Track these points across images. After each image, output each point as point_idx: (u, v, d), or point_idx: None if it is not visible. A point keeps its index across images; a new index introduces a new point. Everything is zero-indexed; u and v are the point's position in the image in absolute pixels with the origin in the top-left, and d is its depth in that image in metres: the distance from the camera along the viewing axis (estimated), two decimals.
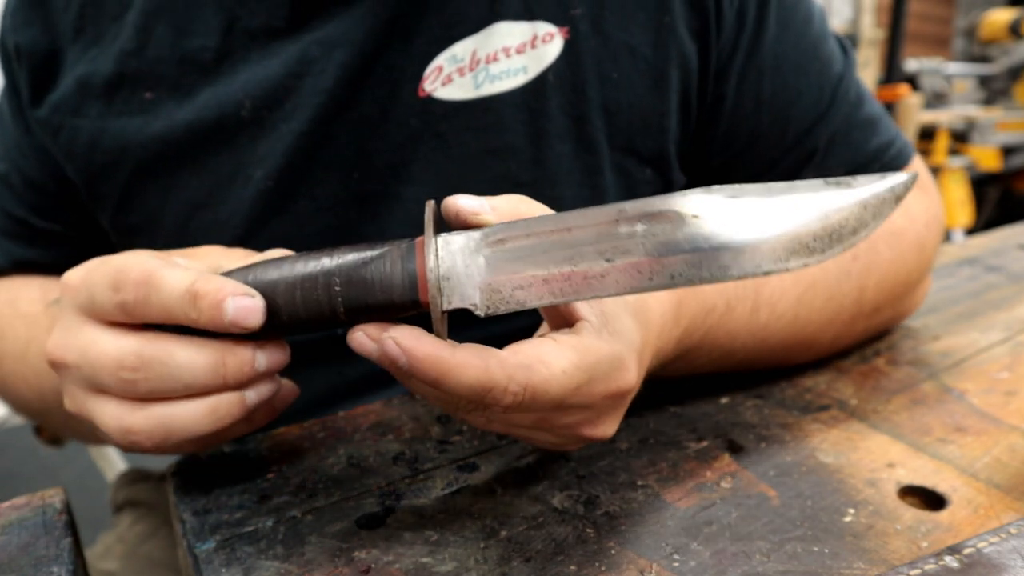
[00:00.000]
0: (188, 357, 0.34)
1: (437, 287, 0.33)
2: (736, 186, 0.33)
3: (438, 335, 0.33)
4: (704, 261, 0.31)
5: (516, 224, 0.33)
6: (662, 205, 0.32)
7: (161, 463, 0.64)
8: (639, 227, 0.32)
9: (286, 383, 0.40)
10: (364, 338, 0.33)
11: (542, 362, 0.33)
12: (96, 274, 0.35)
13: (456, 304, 0.33)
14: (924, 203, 0.61)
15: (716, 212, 0.32)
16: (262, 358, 0.35)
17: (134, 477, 0.83)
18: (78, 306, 0.36)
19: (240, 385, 0.35)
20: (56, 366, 0.37)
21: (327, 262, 0.34)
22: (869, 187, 0.33)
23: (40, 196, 0.57)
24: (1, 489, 1.94)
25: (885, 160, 0.60)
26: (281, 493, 0.41)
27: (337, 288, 0.33)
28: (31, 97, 0.53)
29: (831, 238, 0.32)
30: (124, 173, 0.52)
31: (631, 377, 0.36)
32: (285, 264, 0.34)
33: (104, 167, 0.52)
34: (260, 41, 0.50)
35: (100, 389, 0.36)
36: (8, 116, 0.57)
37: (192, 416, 0.35)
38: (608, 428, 0.37)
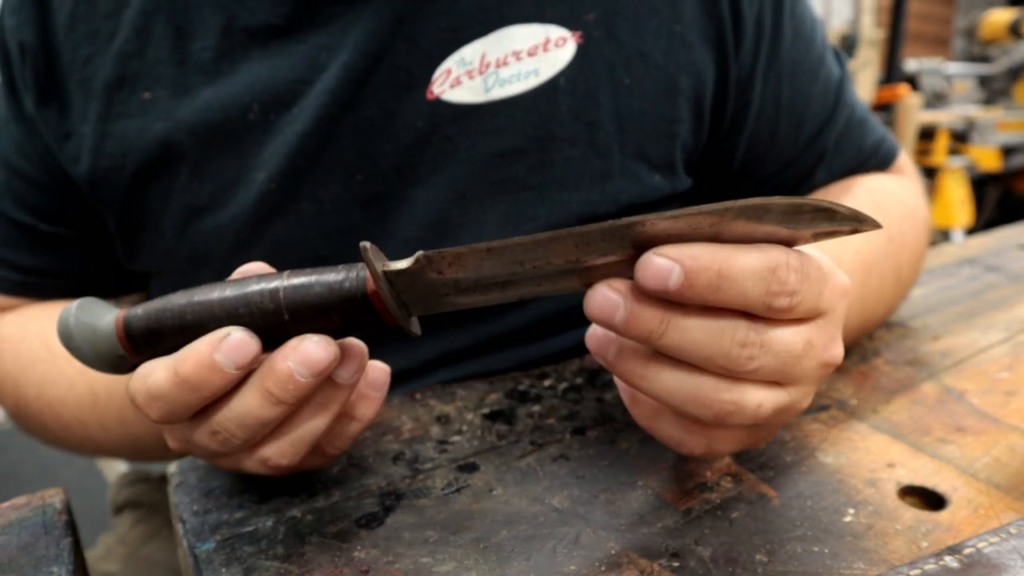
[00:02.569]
0: (242, 405, 0.34)
1: (385, 280, 0.32)
2: None
3: (397, 324, 0.33)
4: None
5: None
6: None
7: (161, 464, 0.64)
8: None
9: (374, 363, 0.39)
10: (608, 291, 0.30)
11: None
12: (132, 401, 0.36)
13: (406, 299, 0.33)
14: (918, 189, 0.65)
15: None
16: (300, 368, 0.33)
17: (134, 478, 0.83)
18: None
19: (300, 400, 0.34)
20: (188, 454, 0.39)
21: (276, 282, 0.34)
22: None
23: (46, 199, 0.56)
24: (1, 489, 1.94)
25: (881, 154, 0.65)
26: (281, 493, 0.41)
27: (283, 287, 0.33)
28: (37, 97, 0.53)
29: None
30: (126, 177, 0.52)
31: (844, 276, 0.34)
32: (230, 284, 0.34)
33: (107, 171, 0.52)
34: (260, 40, 0.50)
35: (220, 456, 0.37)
36: (8, 119, 0.56)
37: (307, 423, 0.35)
38: (841, 344, 0.34)
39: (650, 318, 0.30)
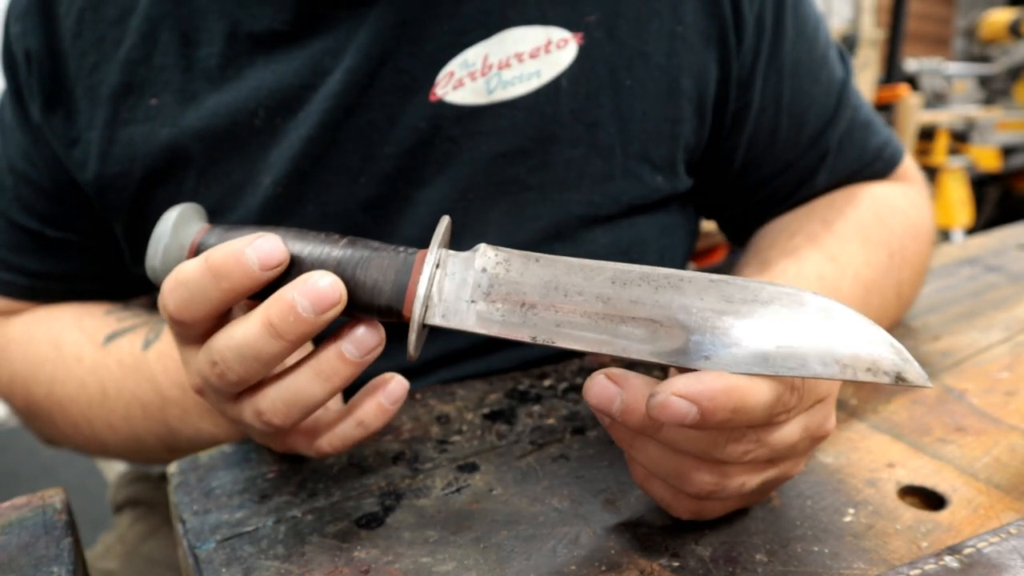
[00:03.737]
0: (242, 332, 0.34)
1: (424, 305, 0.33)
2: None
3: (414, 347, 0.34)
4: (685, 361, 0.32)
5: (531, 277, 0.34)
6: (660, 313, 0.32)
7: (161, 465, 0.64)
8: (636, 331, 0.32)
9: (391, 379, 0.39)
10: (606, 381, 0.32)
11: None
12: (161, 311, 0.36)
13: (438, 322, 0.34)
14: (923, 197, 0.65)
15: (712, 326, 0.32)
16: (303, 300, 0.33)
17: (134, 477, 0.83)
18: (176, 340, 0.38)
19: (300, 337, 0.33)
20: (200, 393, 0.39)
21: (334, 252, 0.34)
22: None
23: (53, 205, 0.56)
24: (1, 489, 1.94)
25: (885, 157, 0.64)
26: (281, 493, 0.41)
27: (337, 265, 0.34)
28: (44, 104, 0.53)
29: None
30: (133, 182, 0.52)
31: None
32: (298, 238, 0.35)
33: (114, 177, 0.52)
34: (265, 46, 0.50)
35: (229, 396, 0.37)
36: (13, 126, 0.56)
37: (301, 384, 0.35)
38: (833, 417, 0.36)
39: (645, 418, 0.32)
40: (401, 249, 0.35)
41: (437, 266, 0.34)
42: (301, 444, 0.39)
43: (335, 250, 0.34)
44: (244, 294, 0.34)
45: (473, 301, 0.34)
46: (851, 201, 0.59)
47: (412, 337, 0.33)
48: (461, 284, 0.34)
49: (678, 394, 0.29)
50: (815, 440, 0.35)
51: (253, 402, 0.36)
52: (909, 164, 0.67)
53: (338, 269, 0.34)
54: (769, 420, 0.32)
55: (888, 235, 0.57)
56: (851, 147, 0.62)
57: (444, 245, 0.35)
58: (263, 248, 0.33)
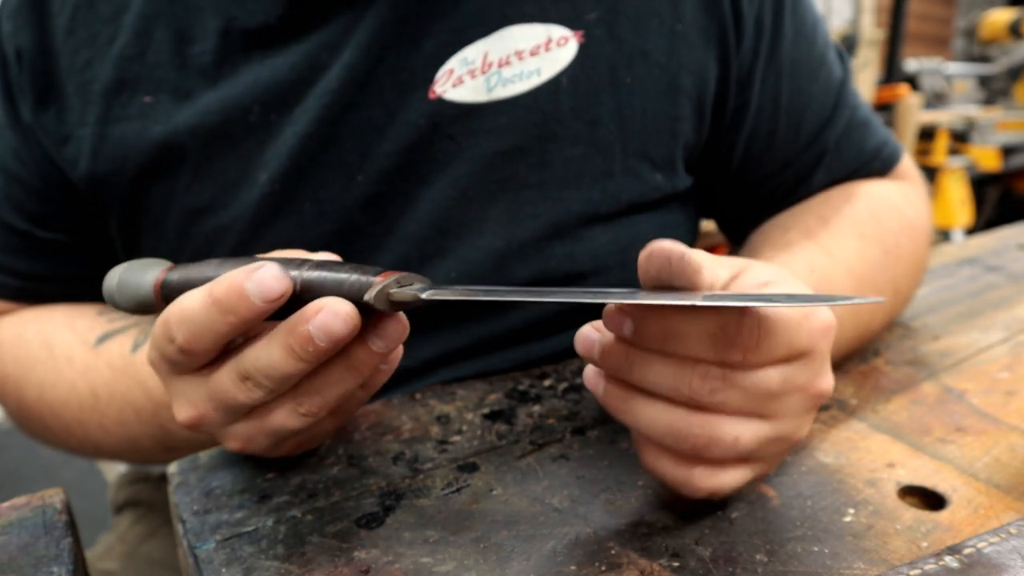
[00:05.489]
0: (268, 355, 0.34)
1: (393, 281, 0.34)
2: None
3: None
4: None
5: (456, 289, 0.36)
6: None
7: (160, 465, 0.64)
8: None
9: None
10: (589, 330, 0.35)
11: (761, 284, 0.35)
12: (153, 339, 0.37)
13: (403, 298, 0.34)
14: (921, 196, 0.65)
15: None
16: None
17: (134, 477, 0.83)
18: (168, 371, 0.38)
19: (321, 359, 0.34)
20: (195, 429, 0.39)
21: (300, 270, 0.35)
22: None
23: (43, 205, 0.56)
24: (1, 489, 1.94)
25: (883, 157, 0.64)
26: (281, 493, 0.41)
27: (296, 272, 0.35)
28: (35, 102, 0.52)
29: None
30: (126, 180, 0.52)
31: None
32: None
33: (107, 175, 0.52)
34: (260, 43, 0.50)
35: (236, 419, 0.38)
36: (4, 125, 0.55)
37: (335, 383, 0.36)
38: (830, 375, 0.37)
39: (618, 353, 0.35)
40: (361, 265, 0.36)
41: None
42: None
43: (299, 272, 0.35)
44: (253, 324, 0.34)
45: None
46: (847, 198, 0.60)
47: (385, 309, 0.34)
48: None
49: (617, 307, 0.34)
50: (810, 398, 0.36)
51: (292, 403, 0.37)
52: (907, 163, 0.67)
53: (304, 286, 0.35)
54: (722, 355, 0.33)
55: (883, 231, 0.57)
56: (849, 146, 0.62)
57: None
58: (264, 283, 0.33)
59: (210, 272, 0.37)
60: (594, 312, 0.37)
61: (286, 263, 0.35)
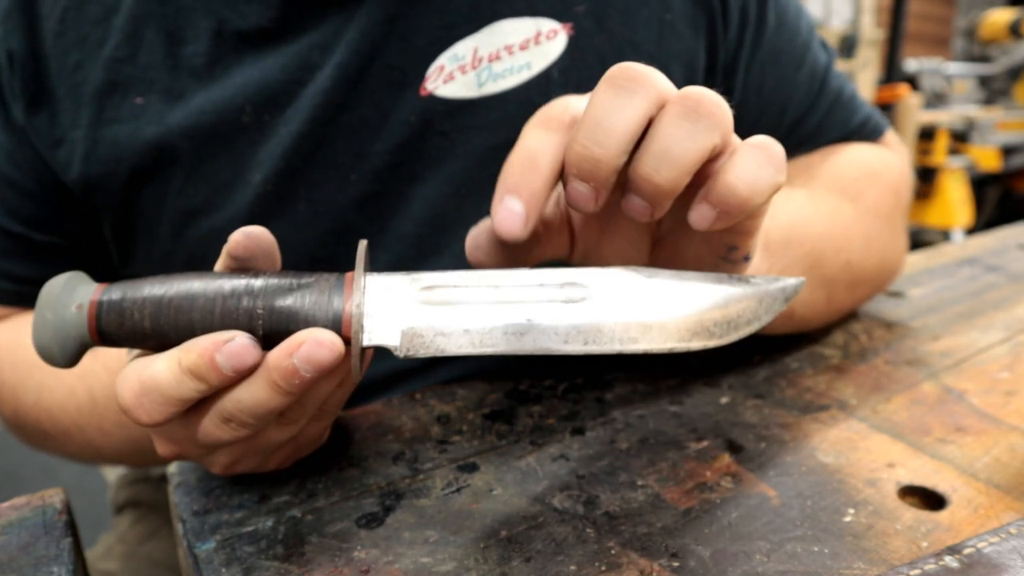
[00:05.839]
0: (252, 394, 0.34)
1: (360, 324, 0.33)
2: (652, 269, 0.36)
3: (355, 369, 0.33)
4: (616, 332, 0.34)
5: (447, 275, 0.35)
6: (584, 278, 0.34)
7: (161, 466, 0.64)
8: (560, 293, 0.34)
9: None
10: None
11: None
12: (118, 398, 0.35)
13: (376, 342, 0.33)
14: (896, 157, 0.66)
15: (632, 289, 0.34)
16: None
17: (134, 477, 0.83)
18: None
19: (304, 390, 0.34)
20: (178, 459, 0.40)
21: (254, 283, 0.33)
22: (765, 286, 0.37)
23: (39, 209, 0.55)
24: (1, 489, 1.94)
25: (867, 131, 0.65)
26: (281, 493, 0.41)
27: (259, 311, 0.33)
28: (27, 105, 0.52)
29: (729, 326, 0.36)
30: (119, 182, 0.51)
31: None
32: (209, 279, 0.34)
33: (100, 177, 0.51)
34: (252, 44, 0.50)
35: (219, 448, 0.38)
36: None
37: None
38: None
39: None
40: (323, 274, 0.34)
41: (365, 290, 0.34)
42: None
43: (255, 281, 0.34)
44: (221, 389, 0.33)
45: (405, 315, 0.34)
46: (812, 156, 0.61)
47: (354, 361, 0.33)
48: (393, 301, 0.34)
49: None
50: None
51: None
52: (891, 137, 0.68)
53: (263, 301, 0.33)
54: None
55: (840, 175, 0.58)
56: (832, 126, 0.63)
57: (366, 269, 0.35)
58: (235, 355, 0.32)
59: (146, 287, 0.34)
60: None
61: (236, 296, 0.33)
